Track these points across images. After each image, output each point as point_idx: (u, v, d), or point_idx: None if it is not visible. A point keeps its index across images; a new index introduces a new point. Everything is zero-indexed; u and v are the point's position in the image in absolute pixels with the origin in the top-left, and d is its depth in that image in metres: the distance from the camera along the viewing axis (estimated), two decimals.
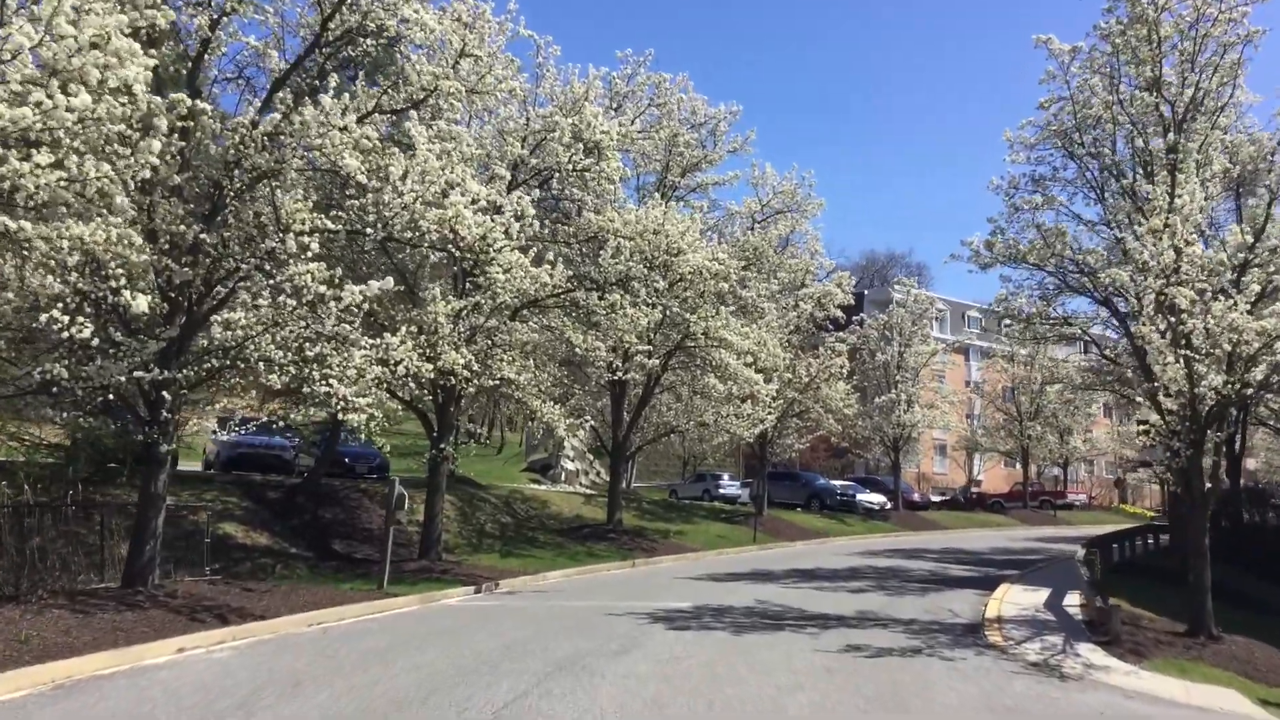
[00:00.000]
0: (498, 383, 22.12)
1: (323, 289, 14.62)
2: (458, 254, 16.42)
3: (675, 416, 34.05)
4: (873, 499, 48.45)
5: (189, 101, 12.10)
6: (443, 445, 23.72)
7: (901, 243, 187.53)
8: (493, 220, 15.96)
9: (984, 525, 51.48)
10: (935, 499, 59.70)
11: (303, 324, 15.92)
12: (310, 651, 13.42)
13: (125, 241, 12.28)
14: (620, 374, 24.52)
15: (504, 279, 18.01)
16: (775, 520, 40.10)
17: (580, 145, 22.75)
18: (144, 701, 10.07)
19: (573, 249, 24.76)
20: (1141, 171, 21.78)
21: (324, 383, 16.20)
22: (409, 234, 16.06)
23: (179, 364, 15.67)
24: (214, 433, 30.87)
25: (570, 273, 22.45)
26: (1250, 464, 57.54)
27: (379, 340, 17.45)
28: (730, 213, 33.37)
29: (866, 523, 44.82)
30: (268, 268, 15.02)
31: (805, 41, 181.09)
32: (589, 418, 25.90)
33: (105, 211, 12.87)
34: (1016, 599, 20.41)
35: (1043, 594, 21.28)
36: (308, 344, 16.59)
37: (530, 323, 23.11)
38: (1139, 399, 27.36)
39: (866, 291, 75.87)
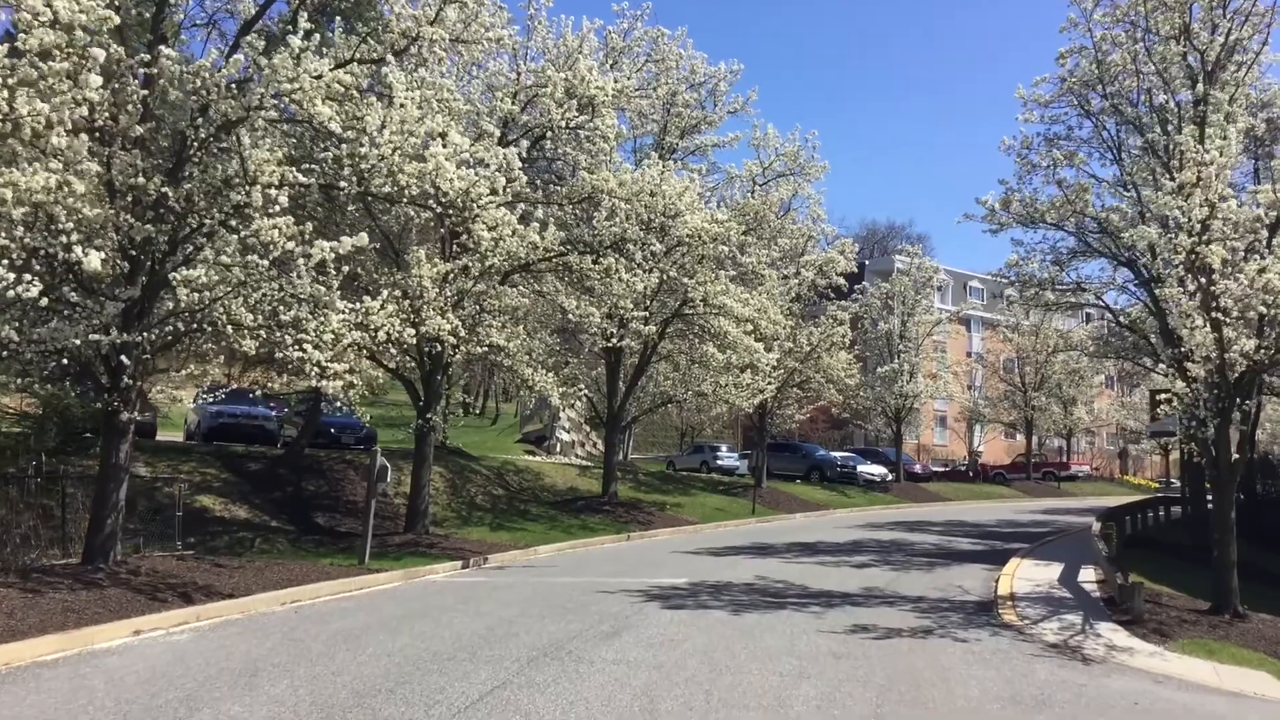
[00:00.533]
0: (486, 349, 21.10)
1: (291, 245, 13.56)
2: (438, 210, 15.35)
3: (673, 386, 33.03)
4: (873, 470, 47.55)
5: (115, 19, 10.97)
6: (429, 415, 22.76)
7: (901, 214, 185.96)
8: (477, 175, 14.88)
9: (986, 497, 50.60)
10: (936, 470, 58.88)
11: (275, 285, 14.94)
12: (277, 634, 12.48)
13: (67, 190, 11.20)
14: (615, 341, 23.48)
15: (489, 238, 16.92)
16: (774, 492, 39.24)
17: (574, 101, 21.66)
18: (81, 693, 9.11)
19: (565, 211, 23.67)
20: (1160, 130, 20.72)
21: (297, 348, 15.24)
22: (387, 189, 14.99)
23: (141, 327, 14.69)
24: (196, 401, 29.94)
25: (563, 235, 21.39)
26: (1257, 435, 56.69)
27: (358, 304, 16.51)
28: (730, 176, 32.22)
29: (867, 495, 43.95)
30: (234, 223, 13.97)
31: (800, 7, 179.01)
32: (583, 386, 24.87)
33: (54, 160, 11.90)
34: (1029, 574, 19.50)
35: (1055, 569, 20.37)
36: (281, 307, 15.66)
37: (520, 287, 22.04)
38: (1160, 369, 26.44)
39: (867, 262, 74.81)
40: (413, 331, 17.23)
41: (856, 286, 48.27)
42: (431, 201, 14.96)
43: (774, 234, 33.01)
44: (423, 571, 19.05)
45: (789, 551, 23.90)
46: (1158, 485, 67.59)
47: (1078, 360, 56.20)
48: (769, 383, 33.56)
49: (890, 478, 47.96)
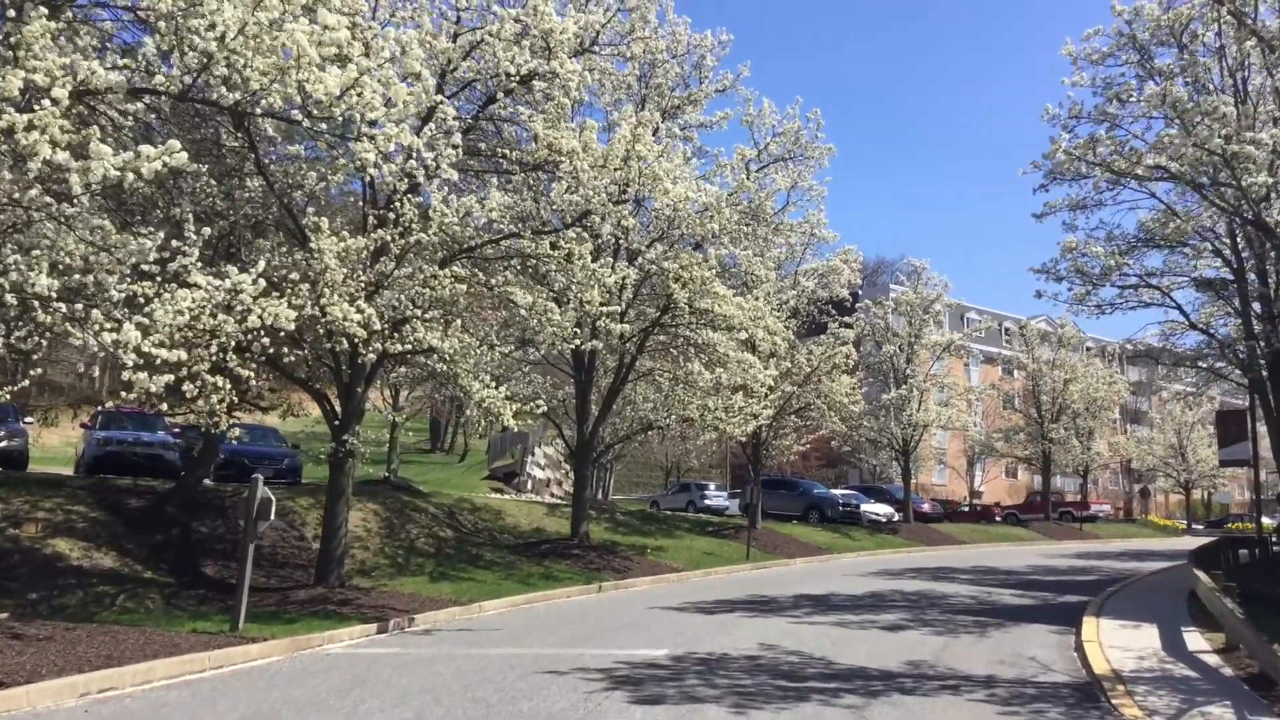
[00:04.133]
0: (410, 348, 16.48)
1: (63, 157, 8.96)
2: (304, 124, 10.75)
3: (653, 410, 28.29)
4: (878, 510, 42.83)
5: None
6: (347, 437, 18.09)
7: (892, 251, 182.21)
8: (357, 68, 10.32)
9: (1004, 539, 45.79)
10: (940, 510, 53.96)
11: (60, 230, 10.45)
12: None
13: None
14: (581, 344, 18.86)
15: (405, 189, 12.33)
16: (770, 533, 34.48)
17: (527, 43, 17.28)
18: None
19: (517, 181, 19.26)
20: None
21: (110, 328, 10.72)
22: (236, 96, 10.46)
23: None
24: (84, 425, 25.34)
25: (510, 201, 16.89)
26: None
27: (219, 280, 12.04)
28: (720, 165, 27.65)
29: (874, 537, 39.16)
30: None
31: (798, 37, 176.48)
32: (542, 402, 20.20)
33: None
34: (1117, 640, 14.84)
35: (1148, 632, 15.73)
36: (112, 279, 11.21)
37: (458, 269, 17.40)
38: (1235, 376, 21.97)
39: (860, 291, 70.50)
40: (291, 315, 12.60)
41: (859, 304, 43.90)
42: (296, 113, 10.39)
43: (771, 230, 28.40)
44: (318, 639, 14.32)
45: (797, 607, 19.20)
46: (1184, 526, 63.15)
47: (1095, 388, 51.95)
48: (765, 407, 28.94)
49: (898, 518, 43.22)
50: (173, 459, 23.57)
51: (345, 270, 15.71)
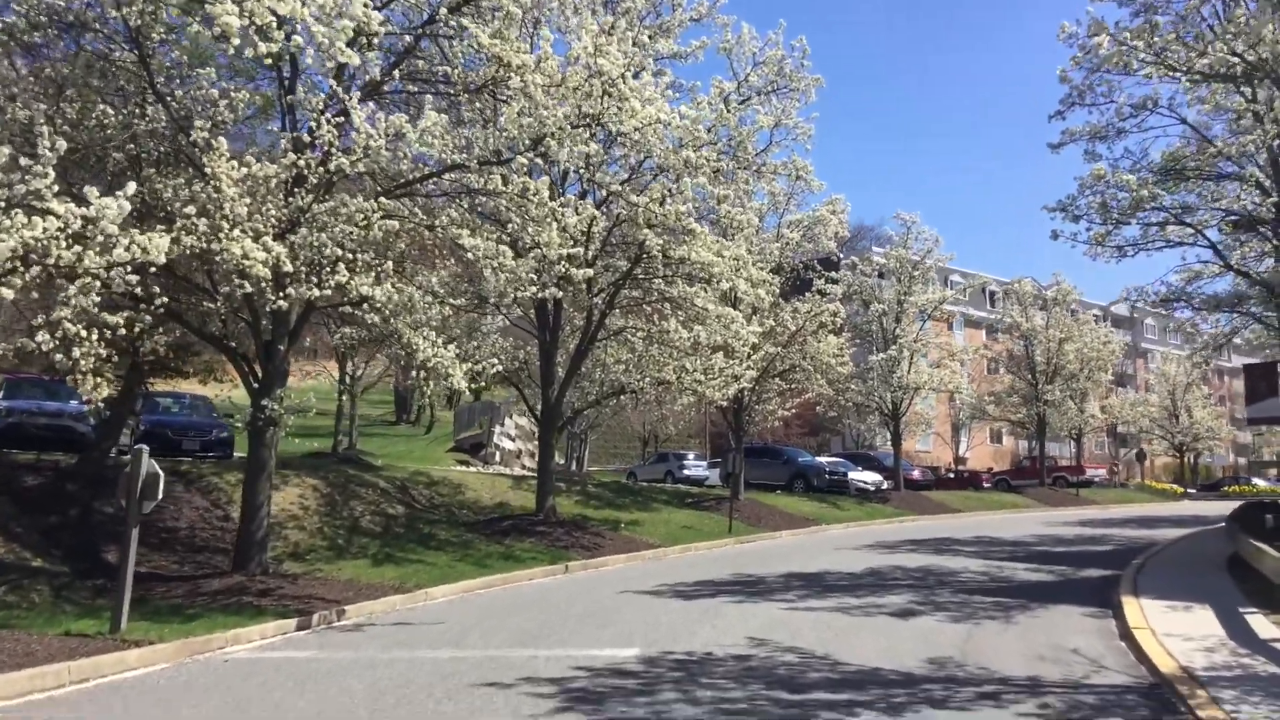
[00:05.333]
0: (329, 292, 13.94)
1: None
2: None
3: (626, 372, 25.85)
4: (867, 478, 40.61)
5: None
6: (266, 402, 15.58)
7: (870, 215, 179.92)
8: None
9: (1000, 507, 43.61)
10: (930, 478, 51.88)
11: None
12: None
13: None
14: (538, 291, 16.38)
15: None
16: (754, 504, 32.19)
17: None
18: None
19: (465, 113, 16.75)
20: None
21: None
22: None
23: None
24: None
25: (449, 118, 14.36)
26: None
27: (84, 204, 9.60)
28: (696, 101, 24.89)
29: (863, 506, 36.91)
30: None
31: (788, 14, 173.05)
32: (497, 363, 17.84)
33: None
34: (1171, 626, 12.57)
35: (1204, 616, 13.47)
36: None
37: (382, 201, 14.79)
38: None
39: (842, 254, 68.16)
40: (164, 245, 10.10)
41: (844, 262, 41.55)
42: None
43: (753, 174, 25.84)
44: (219, 640, 11.92)
45: (788, 589, 16.86)
46: (1181, 490, 61.35)
47: (1091, 347, 49.92)
48: (747, 368, 26.56)
49: (887, 486, 41.01)
50: (85, 431, 20.98)
51: (250, 203, 13.22)
